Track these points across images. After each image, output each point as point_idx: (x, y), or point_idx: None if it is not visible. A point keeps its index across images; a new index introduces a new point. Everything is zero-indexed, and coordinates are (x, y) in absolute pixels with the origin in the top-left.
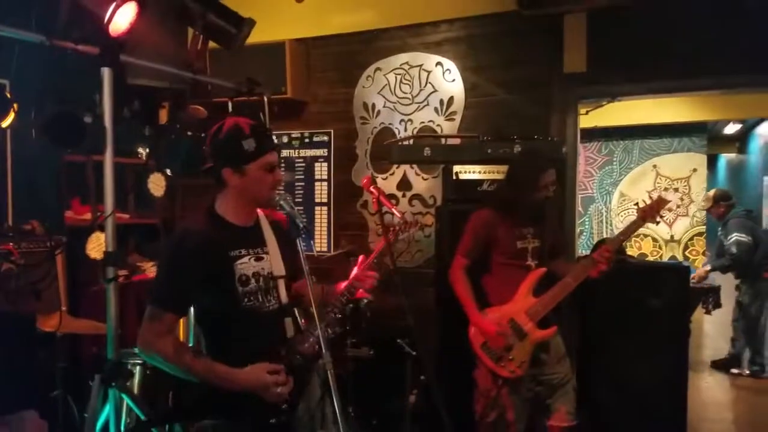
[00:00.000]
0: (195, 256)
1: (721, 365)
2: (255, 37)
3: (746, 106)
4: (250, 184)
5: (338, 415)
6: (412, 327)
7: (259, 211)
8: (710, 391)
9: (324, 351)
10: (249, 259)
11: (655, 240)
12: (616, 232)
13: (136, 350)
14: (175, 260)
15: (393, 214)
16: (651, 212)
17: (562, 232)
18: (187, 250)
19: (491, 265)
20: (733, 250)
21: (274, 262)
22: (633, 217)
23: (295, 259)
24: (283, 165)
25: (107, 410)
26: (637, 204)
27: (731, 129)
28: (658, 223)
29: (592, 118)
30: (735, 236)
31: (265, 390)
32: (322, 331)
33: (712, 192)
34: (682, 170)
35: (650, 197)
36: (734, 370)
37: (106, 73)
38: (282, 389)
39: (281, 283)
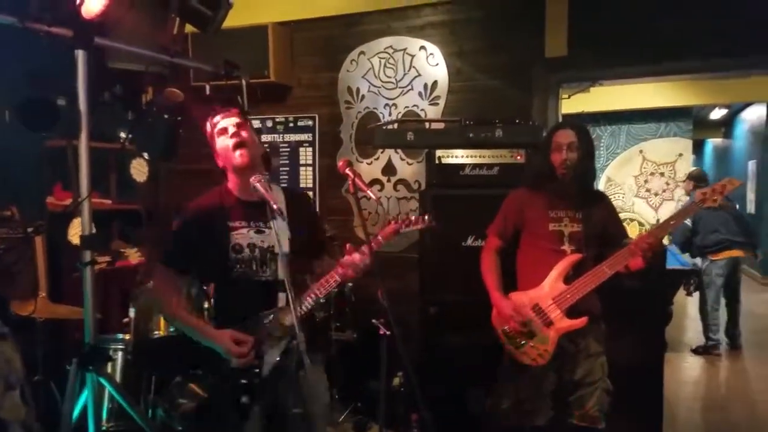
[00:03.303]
0: (194, 223)
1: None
2: (237, 20)
3: (731, 91)
4: (220, 156)
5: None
6: (387, 308)
7: (280, 188)
8: (689, 371)
9: (297, 332)
10: (248, 231)
11: (641, 224)
12: None
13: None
14: (179, 225)
15: (368, 197)
16: (713, 195)
17: (617, 220)
18: (189, 218)
19: (521, 247)
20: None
21: (280, 238)
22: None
23: (314, 234)
24: (267, 148)
25: (85, 396)
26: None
27: (717, 114)
28: (720, 206)
29: (578, 103)
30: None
31: (228, 354)
32: (295, 311)
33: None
34: (668, 155)
35: (636, 180)
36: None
37: (80, 55)
38: (240, 361)
39: (281, 259)
